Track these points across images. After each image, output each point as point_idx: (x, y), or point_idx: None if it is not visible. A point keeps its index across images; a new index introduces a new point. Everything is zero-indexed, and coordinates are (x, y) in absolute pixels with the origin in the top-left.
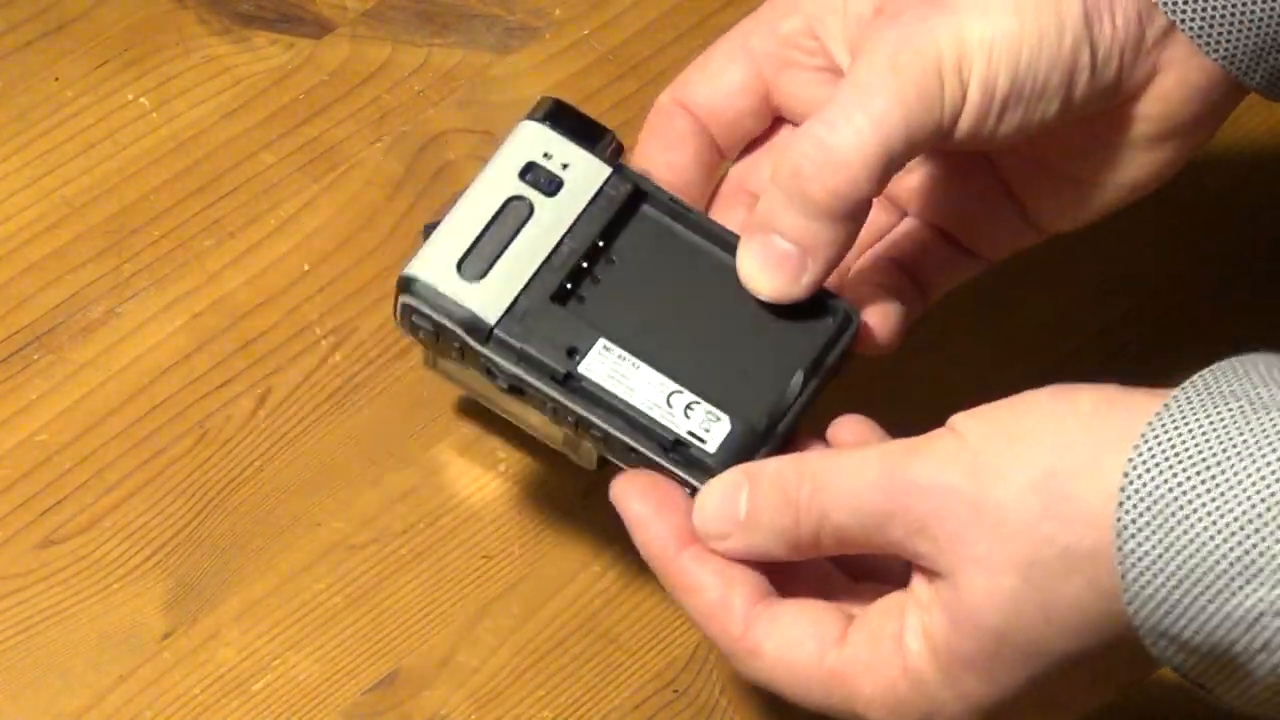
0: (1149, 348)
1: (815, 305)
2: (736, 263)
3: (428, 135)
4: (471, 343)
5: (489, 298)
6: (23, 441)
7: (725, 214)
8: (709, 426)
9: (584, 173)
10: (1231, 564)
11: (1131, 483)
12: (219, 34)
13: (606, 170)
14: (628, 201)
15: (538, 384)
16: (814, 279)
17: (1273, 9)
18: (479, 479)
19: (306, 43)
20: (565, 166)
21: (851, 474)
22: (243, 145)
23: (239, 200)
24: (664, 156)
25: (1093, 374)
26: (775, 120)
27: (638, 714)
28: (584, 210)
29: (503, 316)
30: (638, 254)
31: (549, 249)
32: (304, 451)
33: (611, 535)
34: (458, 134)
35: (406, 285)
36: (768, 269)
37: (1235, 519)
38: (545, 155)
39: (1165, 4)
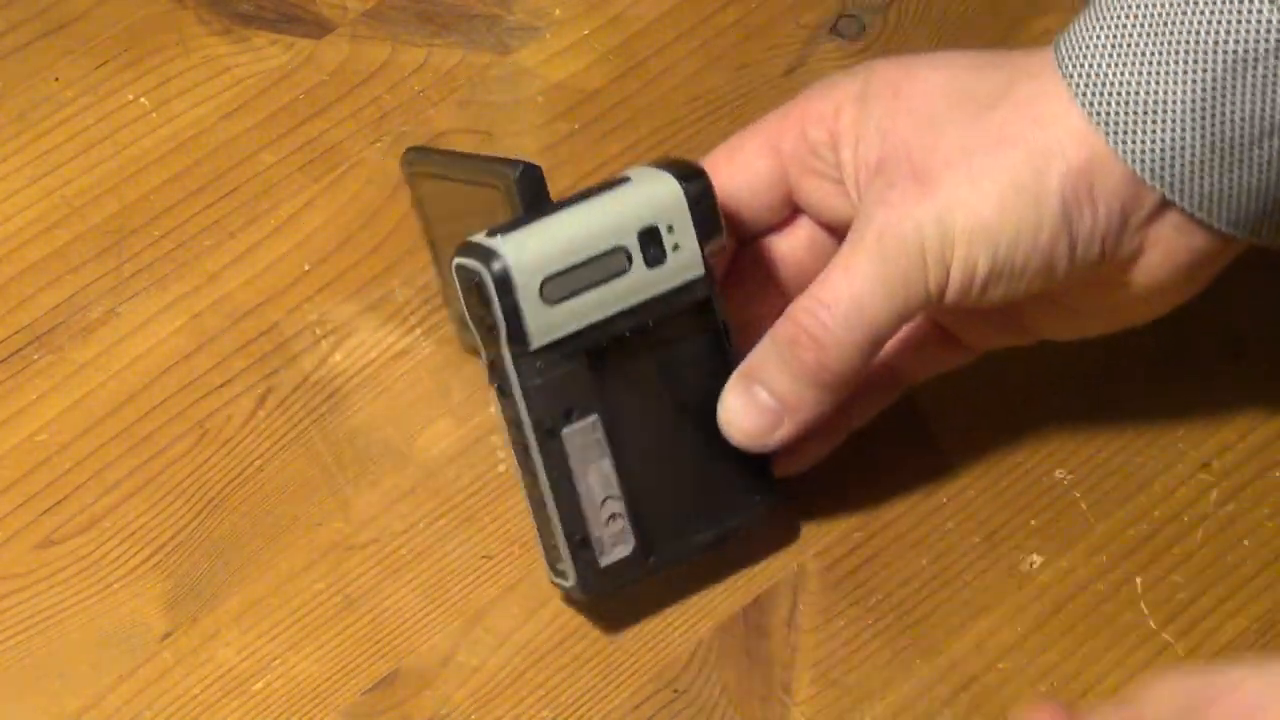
0: (1149, 347)
1: (762, 479)
2: (719, 402)
3: (428, 135)
4: (503, 343)
5: (545, 325)
6: (23, 441)
7: (733, 290)
8: (616, 543)
9: (684, 262)
10: None
11: None
12: (219, 34)
13: (700, 271)
14: (697, 305)
15: (522, 415)
16: (787, 435)
17: (1264, 178)
18: (479, 479)
19: (306, 43)
20: (675, 248)
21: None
22: (243, 145)
23: (239, 200)
24: None
25: (1093, 372)
26: (794, 211)
27: (638, 714)
28: (663, 294)
29: (542, 347)
30: (671, 353)
31: (616, 311)
32: (304, 451)
33: None
34: (458, 134)
35: (491, 259)
36: (747, 416)
37: None
38: (669, 229)
39: (1161, 184)
